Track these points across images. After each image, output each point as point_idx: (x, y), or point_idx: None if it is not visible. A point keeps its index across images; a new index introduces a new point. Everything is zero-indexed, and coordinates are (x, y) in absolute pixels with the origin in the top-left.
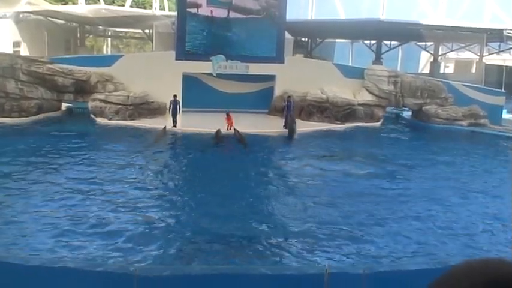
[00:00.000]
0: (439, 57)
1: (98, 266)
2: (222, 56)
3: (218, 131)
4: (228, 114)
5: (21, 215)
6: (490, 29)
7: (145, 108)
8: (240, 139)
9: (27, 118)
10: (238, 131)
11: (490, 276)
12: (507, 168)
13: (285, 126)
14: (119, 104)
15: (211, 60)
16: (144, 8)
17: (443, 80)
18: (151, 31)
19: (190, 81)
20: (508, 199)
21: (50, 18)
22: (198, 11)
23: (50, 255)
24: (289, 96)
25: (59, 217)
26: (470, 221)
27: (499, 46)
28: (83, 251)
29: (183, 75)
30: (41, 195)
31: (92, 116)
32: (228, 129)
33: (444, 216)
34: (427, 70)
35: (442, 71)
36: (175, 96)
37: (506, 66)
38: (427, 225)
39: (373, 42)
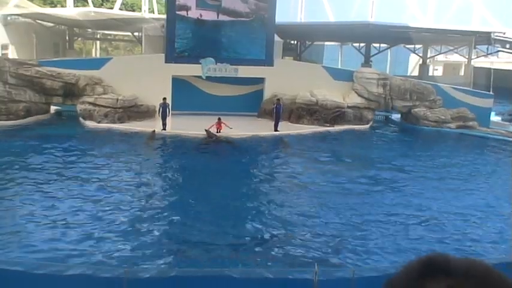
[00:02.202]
0: (428, 60)
1: (88, 268)
2: (211, 58)
3: (211, 134)
4: (219, 119)
5: (13, 217)
6: (478, 31)
7: (134, 111)
8: (226, 140)
9: (15, 121)
10: (213, 134)
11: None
12: (495, 169)
13: (276, 129)
14: (108, 107)
15: (200, 63)
16: (133, 10)
17: (432, 83)
18: (140, 34)
19: (179, 84)
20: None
21: (38, 21)
22: (187, 14)
23: (36, 259)
24: (278, 99)
25: (44, 220)
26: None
27: (487, 49)
28: (71, 253)
29: (173, 78)
30: (27, 196)
31: (80, 119)
32: (217, 132)
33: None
34: (416, 73)
35: (430, 73)
36: (164, 99)
37: (495, 69)
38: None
39: (362, 45)
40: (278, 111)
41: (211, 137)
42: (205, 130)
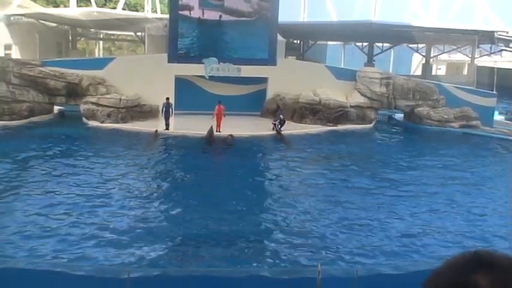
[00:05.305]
0: (431, 59)
1: (91, 268)
2: (214, 58)
3: (210, 134)
4: (219, 102)
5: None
6: (481, 31)
7: (137, 111)
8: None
9: (18, 121)
10: (209, 137)
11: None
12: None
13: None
14: (111, 107)
15: (203, 63)
16: (136, 10)
17: (435, 82)
18: (143, 34)
19: (182, 84)
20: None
21: (41, 21)
22: (190, 14)
23: (38, 259)
24: (282, 117)
25: (47, 219)
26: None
27: (491, 48)
28: (75, 251)
29: (176, 78)
30: (33, 195)
31: (84, 119)
32: (217, 131)
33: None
34: (418, 72)
35: (433, 73)
36: (167, 98)
37: (498, 68)
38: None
39: (365, 44)
40: (281, 125)
41: (210, 137)
42: (209, 132)
